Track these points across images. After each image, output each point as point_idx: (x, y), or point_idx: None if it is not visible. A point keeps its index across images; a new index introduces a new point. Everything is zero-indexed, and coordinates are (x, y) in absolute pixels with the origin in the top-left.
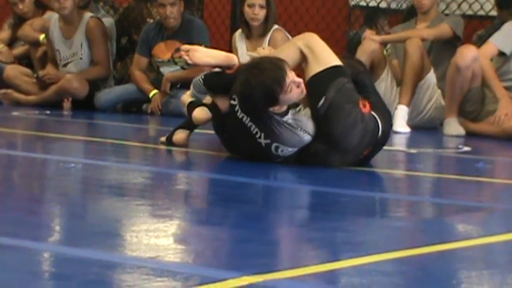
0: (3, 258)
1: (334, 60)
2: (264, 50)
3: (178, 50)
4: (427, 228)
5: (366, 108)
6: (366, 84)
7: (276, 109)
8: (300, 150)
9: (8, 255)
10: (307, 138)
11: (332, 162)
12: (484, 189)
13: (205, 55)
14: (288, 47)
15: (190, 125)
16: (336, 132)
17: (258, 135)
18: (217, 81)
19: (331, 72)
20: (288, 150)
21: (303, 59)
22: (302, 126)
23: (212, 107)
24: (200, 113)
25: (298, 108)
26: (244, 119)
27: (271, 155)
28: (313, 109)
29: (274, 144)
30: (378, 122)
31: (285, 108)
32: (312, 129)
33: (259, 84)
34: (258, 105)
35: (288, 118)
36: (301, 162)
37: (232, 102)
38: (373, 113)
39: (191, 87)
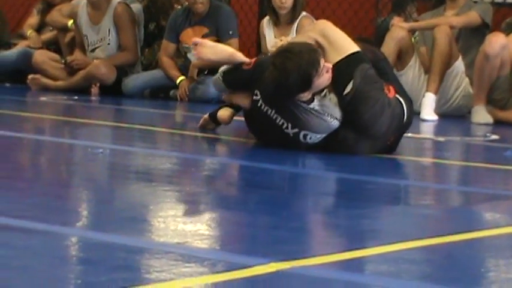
0: (32, 243)
1: (353, 47)
2: (282, 42)
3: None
4: (454, 216)
5: (390, 92)
6: (387, 72)
7: (305, 96)
8: (328, 138)
9: (36, 240)
10: (335, 123)
11: (361, 150)
12: None
13: (209, 51)
14: (301, 38)
15: (234, 105)
16: (365, 118)
17: (284, 126)
18: (236, 77)
19: (352, 59)
20: (317, 137)
21: (319, 49)
22: (329, 112)
23: None
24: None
25: (323, 94)
26: (269, 112)
27: (300, 143)
28: (339, 97)
29: (302, 133)
30: (403, 106)
31: (310, 95)
32: (339, 114)
33: (295, 67)
34: (291, 91)
35: (315, 105)
36: (329, 149)
37: (255, 97)
38: (397, 96)
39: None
